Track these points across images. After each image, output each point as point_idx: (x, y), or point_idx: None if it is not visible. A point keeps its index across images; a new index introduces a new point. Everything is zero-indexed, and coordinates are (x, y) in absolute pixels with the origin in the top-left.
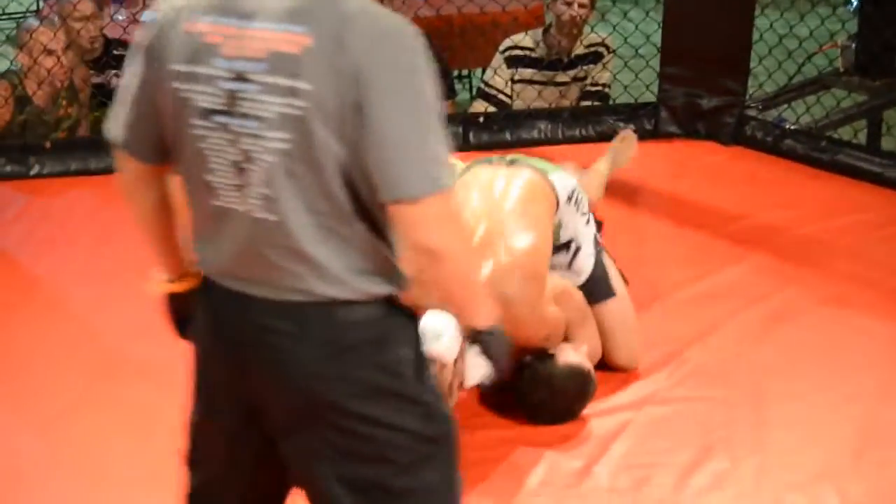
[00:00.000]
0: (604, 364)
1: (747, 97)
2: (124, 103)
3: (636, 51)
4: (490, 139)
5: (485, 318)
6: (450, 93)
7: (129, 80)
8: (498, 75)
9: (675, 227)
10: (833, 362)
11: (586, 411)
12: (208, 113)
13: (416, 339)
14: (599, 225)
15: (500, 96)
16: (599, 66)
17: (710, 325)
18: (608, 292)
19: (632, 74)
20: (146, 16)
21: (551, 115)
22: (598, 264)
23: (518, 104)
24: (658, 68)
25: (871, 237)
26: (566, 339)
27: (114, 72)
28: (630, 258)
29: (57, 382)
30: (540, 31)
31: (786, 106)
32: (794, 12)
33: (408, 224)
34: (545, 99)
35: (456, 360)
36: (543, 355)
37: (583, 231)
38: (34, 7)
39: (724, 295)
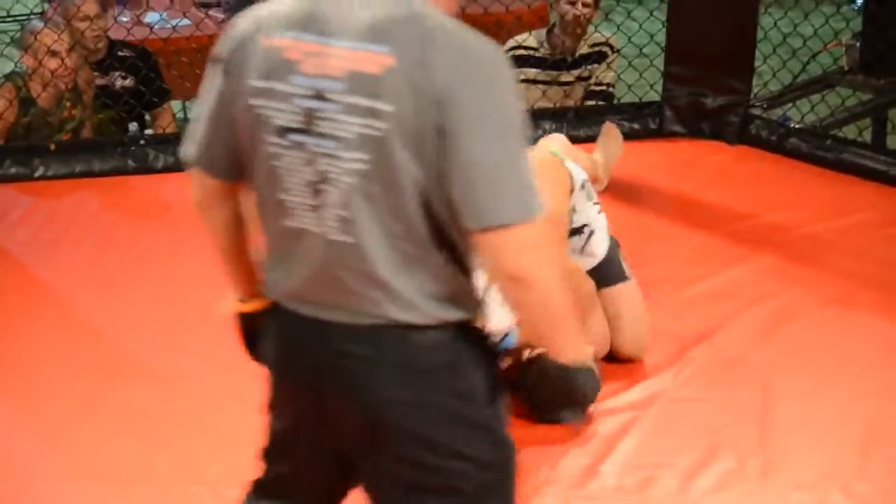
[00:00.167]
0: (611, 360)
1: (752, 96)
2: (200, 119)
3: (640, 50)
4: None
5: (572, 352)
6: None
7: (205, 94)
8: None
9: (679, 227)
10: (839, 361)
11: (592, 410)
12: (285, 131)
13: (488, 365)
14: None
15: None
16: (603, 65)
17: (715, 325)
18: (621, 276)
19: (636, 74)
20: (229, 32)
21: (555, 114)
22: (612, 249)
23: None
24: (662, 67)
25: (877, 236)
26: None
27: (118, 73)
28: (634, 257)
29: (61, 384)
30: (544, 30)
31: (790, 105)
32: (799, 11)
33: (495, 251)
34: (549, 99)
35: None
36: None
37: (595, 217)
38: (38, 9)
39: (730, 294)
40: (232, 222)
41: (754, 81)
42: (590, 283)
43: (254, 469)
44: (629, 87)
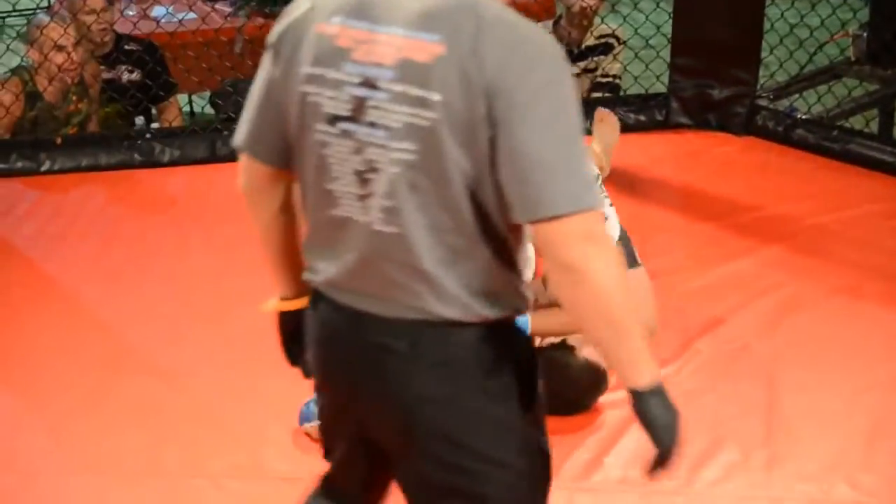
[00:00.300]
0: None
1: (758, 87)
2: (251, 105)
3: (647, 41)
4: None
5: (646, 374)
6: None
7: (258, 80)
8: None
9: (685, 218)
10: (845, 353)
11: (597, 402)
12: (334, 119)
13: (528, 368)
14: None
15: None
16: (610, 57)
17: (721, 316)
18: (632, 261)
19: (642, 65)
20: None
21: None
22: (623, 237)
23: None
24: (669, 59)
25: (883, 227)
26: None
27: (124, 67)
28: (640, 249)
29: (66, 378)
30: (550, 22)
31: (797, 96)
32: (806, 1)
33: (548, 243)
34: None
35: None
36: (563, 345)
37: (606, 205)
38: (45, 3)
39: (735, 285)
40: (279, 211)
41: (761, 72)
42: None
43: (256, 463)
44: (635, 78)
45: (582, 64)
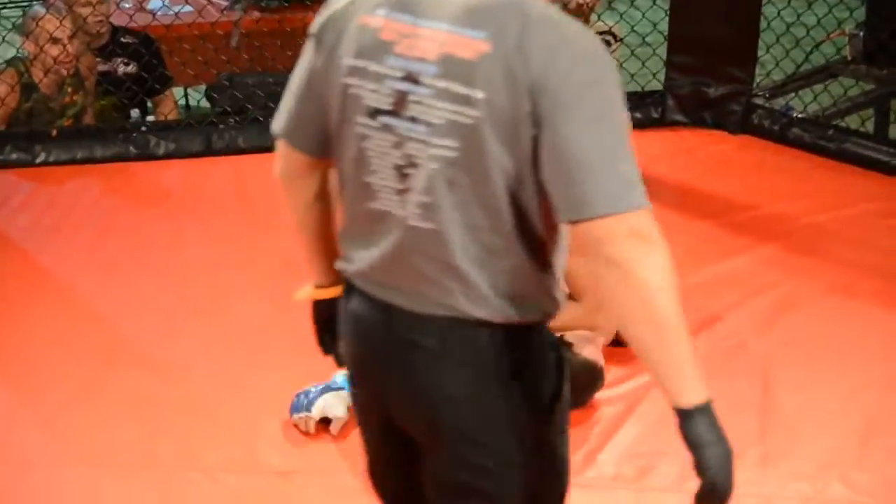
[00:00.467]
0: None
1: (754, 85)
2: (291, 93)
3: (643, 39)
4: None
5: (690, 388)
6: None
7: (298, 69)
8: None
9: (681, 217)
10: (840, 351)
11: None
12: (375, 112)
13: (556, 374)
14: None
15: None
16: None
17: (716, 314)
18: None
19: (639, 63)
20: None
21: None
22: None
23: None
24: (665, 56)
25: (879, 226)
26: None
27: (120, 60)
28: None
29: (61, 370)
30: None
31: (793, 94)
32: (802, 0)
33: (593, 239)
34: None
35: None
36: (560, 342)
37: None
38: None
39: (731, 284)
40: (315, 199)
41: (757, 71)
42: None
43: (250, 456)
44: (632, 76)
45: None
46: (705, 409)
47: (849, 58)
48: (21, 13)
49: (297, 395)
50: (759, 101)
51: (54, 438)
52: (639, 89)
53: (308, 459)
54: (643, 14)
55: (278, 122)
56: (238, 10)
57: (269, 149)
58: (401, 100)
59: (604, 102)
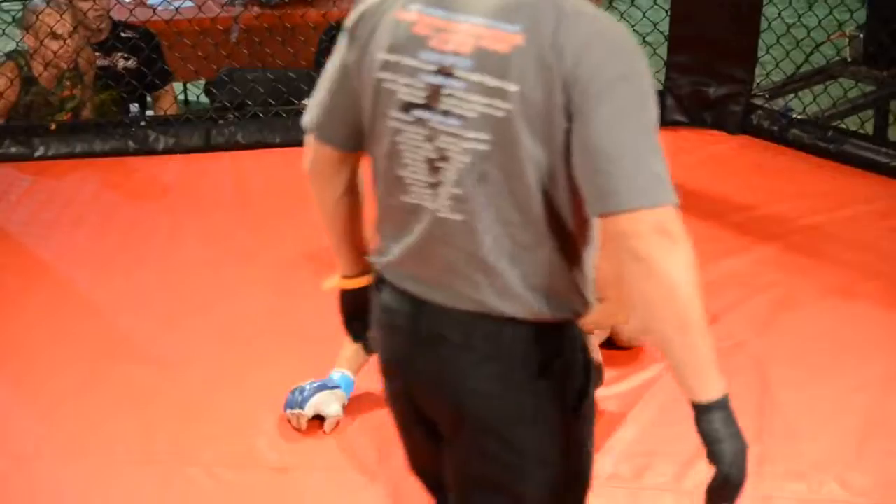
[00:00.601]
0: (609, 346)
1: (754, 86)
2: (323, 88)
3: (643, 39)
4: None
5: (708, 384)
6: None
7: (331, 64)
8: None
9: (680, 216)
10: (838, 352)
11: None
12: (408, 106)
13: (582, 373)
14: None
15: None
16: None
17: (714, 314)
18: None
19: None
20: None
21: None
22: None
23: None
24: (665, 56)
25: (877, 227)
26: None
27: (120, 54)
28: None
29: (59, 364)
30: None
31: (793, 95)
32: (803, 1)
33: (619, 234)
34: None
35: None
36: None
37: None
38: None
39: (730, 284)
40: (344, 193)
41: (757, 71)
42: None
43: (248, 451)
44: None
45: None
46: (722, 404)
47: (849, 59)
48: (21, 6)
49: (293, 391)
50: (759, 101)
51: (52, 432)
52: None
53: (306, 455)
54: (643, 14)
55: (309, 116)
56: (238, 6)
57: (268, 145)
58: (434, 93)
59: (635, 97)
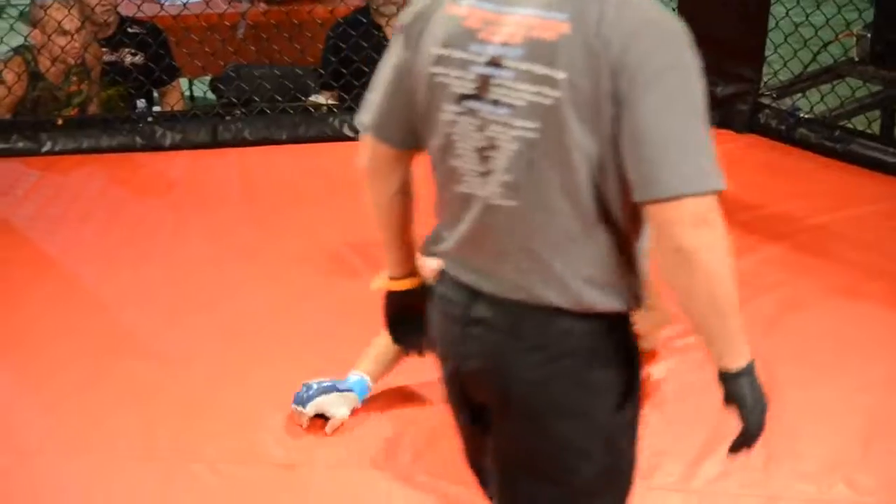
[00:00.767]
0: None
1: (762, 85)
2: (378, 87)
3: None
4: None
5: (738, 355)
6: None
7: (386, 63)
8: None
9: None
10: (844, 352)
11: None
12: (460, 98)
13: (629, 368)
14: None
15: None
16: None
17: None
18: None
19: None
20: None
21: None
22: None
23: None
24: None
25: (884, 227)
26: None
27: (127, 50)
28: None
29: (63, 359)
30: None
31: (800, 95)
32: (811, 0)
33: (663, 224)
34: None
35: None
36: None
37: None
38: None
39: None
40: (398, 192)
41: (764, 70)
42: None
43: (252, 448)
44: None
45: None
46: (749, 370)
47: (856, 58)
48: (28, 1)
49: (302, 386)
50: (766, 100)
51: (56, 427)
52: None
53: (310, 452)
54: None
55: (366, 116)
56: (245, 2)
57: (274, 141)
58: (484, 83)
59: (683, 85)
